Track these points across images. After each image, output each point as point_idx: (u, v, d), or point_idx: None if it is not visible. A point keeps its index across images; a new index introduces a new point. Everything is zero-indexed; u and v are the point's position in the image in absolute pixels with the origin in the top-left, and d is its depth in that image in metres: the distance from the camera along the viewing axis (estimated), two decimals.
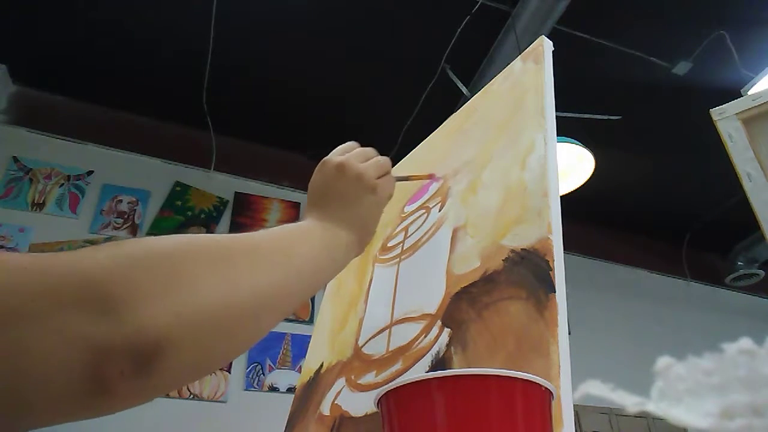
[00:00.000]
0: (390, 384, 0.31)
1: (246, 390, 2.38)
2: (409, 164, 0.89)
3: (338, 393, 0.66)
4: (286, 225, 0.45)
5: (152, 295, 0.27)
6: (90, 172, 2.61)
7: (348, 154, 0.56)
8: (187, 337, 0.28)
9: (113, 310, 0.26)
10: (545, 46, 0.68)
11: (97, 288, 0.26)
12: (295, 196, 2.93)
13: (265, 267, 0.37)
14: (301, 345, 2.55)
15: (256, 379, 2.42)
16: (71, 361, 0.24)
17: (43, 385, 0.24)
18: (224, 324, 0.31)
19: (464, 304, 0.55)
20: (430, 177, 0.76)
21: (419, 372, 0.54)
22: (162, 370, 0.27)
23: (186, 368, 0.29)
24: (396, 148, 2.64)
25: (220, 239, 0.35)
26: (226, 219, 2.77)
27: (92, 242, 2.37)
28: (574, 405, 0.39)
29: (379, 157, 0.58)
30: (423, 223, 0.72)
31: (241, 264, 0.35)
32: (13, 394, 0.23)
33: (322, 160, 0.56)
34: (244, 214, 2.82)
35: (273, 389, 2.42)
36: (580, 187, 2.25)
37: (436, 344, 0.55)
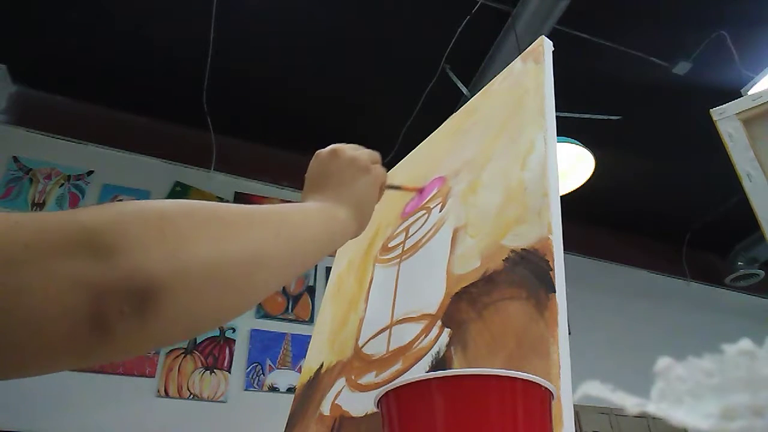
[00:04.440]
0: (390, 384, 0.31)
1: (246, 390, 2.38)
2: (409, 164, 0.89)
3: (338, 393, 0.66)
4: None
5: (145, 244, 0.29)
6: (90, 172, 2.61)
7: (340, 145, 0.59)
8: (180, 283, 0.29)
9: (107, 254, 0.27)
10: (545, 46, 0.68)
11: (91, 236, 0.27)
12: (295, 196, 2.93)
13: (257, 229, 0.38)
14: (301, 345, 2.55)
15: (256, 379, 2.42)
16: (68, 303, 0.25)
17: (42, 329, 0.25)
18: (216, 276, 0.32)
19: (464, 305, 0.55)
20: (419, 190, 0.78)
21: (419, 372, 0.54)
22: (159, 314, 0.28)
23: (182, 315, 0.30)
24: (396, 148, 2.64)
25: (214, 204, 0.37)
26: None
27: None
28: (574, 405, 0.39)
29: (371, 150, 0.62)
30: (424, 224, 0.72)
31: (233, 224, 0.36)
32: (10, 340, 0.24)
33: (316, 152, 0.59)
34: None
35: (273, 389, 2.42)
36: (580, 187, 2.25)
37: (436, 344, 0.55)
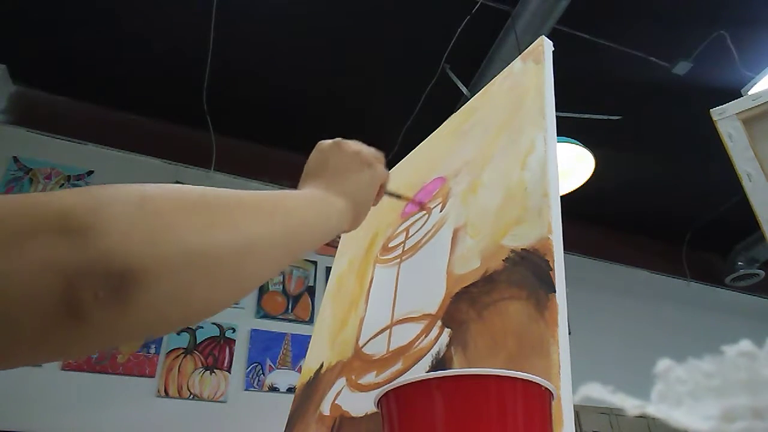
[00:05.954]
0: (390, 384, 0.31)
1: (246, 390, 2.38)
2: (409, 164, 0.89)
3: (338, 393, 0.66)
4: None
5: (123, 225, 0.27)
6: (90, 172, 2.61)
7: (344, 139, 0.58)
8: (163, 267, 0.27)
9: (81, 234, 0.25)
10: (545, 46, 0.68)
11: (64, 215, 0.25)
12: None
13: (248, 214, 0.36)
14: (301, 345, 2.55)
15: (256, 379, 2.42)
16: (38, 287, 0.23)
17: (9, 316, 0.23)
18: (203, 262, 0.30)
19: (464, 305, 0.55)
20: (420, 204, 0.75)
21: (419, 372, 0.54)
22: (139, 299, 0.26)
23: (165, 303, 0.28)
24: (396, 148, 2.64)
25: (201, 187, 0.35)
26: None
27: None
28: (574, 405, 0.39)
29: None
30: (424, 224, 0.72)
31: (222, 208, 0.34)
32: None
33: (318, 142, 0.57)
34: None
35: (273, 389, 2.42)
36: (580, 187, 2.25)
37: (436, 344, 0.55)
